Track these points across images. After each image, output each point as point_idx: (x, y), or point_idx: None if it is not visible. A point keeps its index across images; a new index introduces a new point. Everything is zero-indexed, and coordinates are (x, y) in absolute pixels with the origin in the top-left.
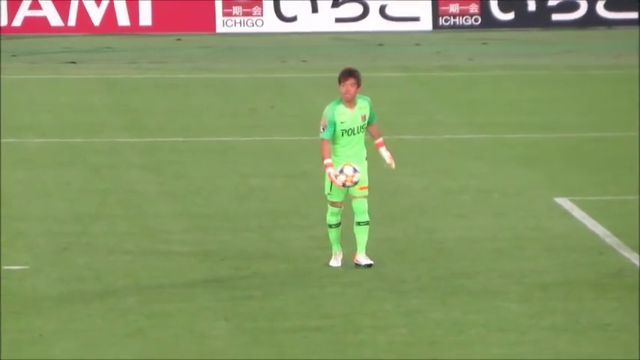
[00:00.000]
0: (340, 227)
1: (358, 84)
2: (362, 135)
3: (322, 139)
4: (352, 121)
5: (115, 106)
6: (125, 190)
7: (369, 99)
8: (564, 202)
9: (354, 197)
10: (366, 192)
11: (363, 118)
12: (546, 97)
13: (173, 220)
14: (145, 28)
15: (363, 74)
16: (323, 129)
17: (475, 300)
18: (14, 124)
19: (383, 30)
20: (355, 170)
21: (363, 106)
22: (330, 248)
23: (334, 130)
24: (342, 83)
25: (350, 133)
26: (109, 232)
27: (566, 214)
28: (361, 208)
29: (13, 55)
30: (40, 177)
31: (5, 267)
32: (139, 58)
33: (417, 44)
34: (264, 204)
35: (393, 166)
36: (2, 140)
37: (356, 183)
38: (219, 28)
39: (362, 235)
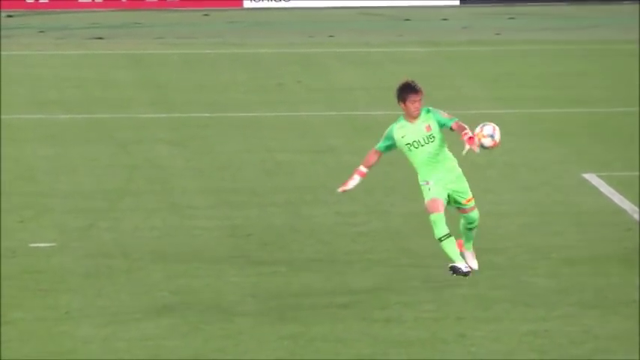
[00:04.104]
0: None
1: (420, 97)
2: (435, 145)
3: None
4: (415, 134)
5: (142, 82)
6: (152, 165)
7: (427, 108)
8: (592, 178)
9: (464, 211)
10: (472, 203)
11: (428, 128)
12: (573, 72)
13: (199, 195)
14: (173, 4)
15: (390, 49)
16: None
17: (502, 275)
18: (41, 99)
19: (410, 5)
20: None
21: (425, 118)
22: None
23: (389, 146)
24: (407, 100)
25: (416, 145)
26: (135, 208)
27: (593, 190)
28: (473, 217)
29: (41, 32)
30: (67, 153)
31: (32, 244)
32: (166, 33)
33: (445, 19)
34: (291, 179)
35: (473, 149)
36: (29, 116)
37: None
38: (247, 3)
39: (469, 233)
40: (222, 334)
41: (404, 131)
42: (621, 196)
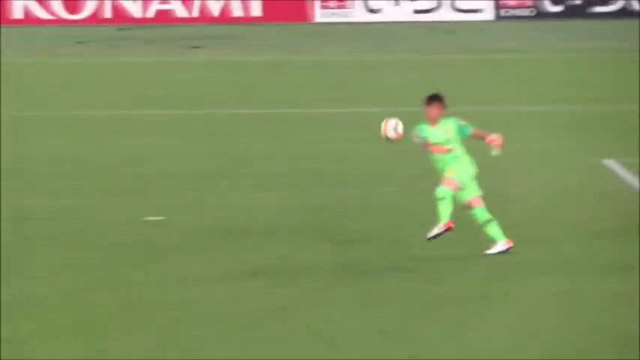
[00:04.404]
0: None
1: (442, 106)
2: (451, 147)
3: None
4: (435, 137)
5: (233, 83)
6: (243, 152)
7: (453, 119)
8: (607, 163)
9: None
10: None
11: (446, 132)
12: (588, 75)
13: (285, 178)
14: (256, 19)
15: (436, 56)
16: (417, 139)
17: (534, 244)
18: (150, 98)
19: (453, 20)
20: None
21: (445, 124)
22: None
23: (424, 139)
24: (430, 106)
25: (435, 145)
26: (230, 188)
27: (608, 173)
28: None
29: (147, 42)
30: (172, 143)
31: (146, 218)
32: (251, 43)
33: (481, 31)
34: (362, 164)
35: (496, 152)
36: (139, 112)
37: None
38: (318, 17)
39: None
40: (305, 292)
41: (426, 133)
42: (633, 177)
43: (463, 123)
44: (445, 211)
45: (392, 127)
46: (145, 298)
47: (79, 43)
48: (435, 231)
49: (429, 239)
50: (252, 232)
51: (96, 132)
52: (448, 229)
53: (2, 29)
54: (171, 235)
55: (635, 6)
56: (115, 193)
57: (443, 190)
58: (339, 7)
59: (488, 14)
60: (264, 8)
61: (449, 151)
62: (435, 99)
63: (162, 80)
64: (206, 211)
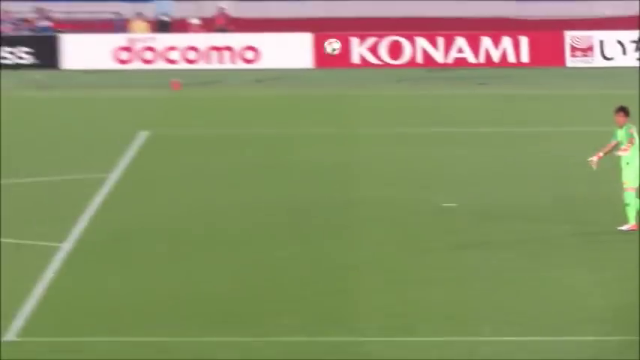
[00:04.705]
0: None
1: (625, 115)
2: (631, 144)
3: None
4: (619, 136)
5: (509, 110)
6: (509, 157)
7: (627, 127)
8: None
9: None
10: (625, 186)
11: (621, 136)
12: None
13: (540, 178)
14: (525, 63)
15: (604, 91)
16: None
17: None
18: (448, 119)
19: (619, 66)
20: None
21: (626, 128)
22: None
23: (615, 137)
24: (616, 115)
25: (620, 143)
26: (498, 182)
27: None
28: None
29: (447, 80)
30: (459, 152)
31: (443, 204)
32: (521, 81)
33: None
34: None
35: (622, 153)
36: (441, 129)
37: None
38: (568, 62)
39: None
40: (549, 259)
41: (617, 133)
42: None
43: (629, 132)
44: (631, 215)
45: (330, 48)
46: (440, 263)
47: (399, 81)
48: (624, 228)
49: (619, 230)
50: (511, 216)
51: (413, 144)
52: (633, 230)
53: (345, 71)
54: (460, 217)
55: None
56: (422, 186)
57: (628, 196)
58: (583, 56)
59: None
60: (531, 56)
61: (625, 149)
62: (619, 109)
63: (456, 108)
64: (482, 200)
